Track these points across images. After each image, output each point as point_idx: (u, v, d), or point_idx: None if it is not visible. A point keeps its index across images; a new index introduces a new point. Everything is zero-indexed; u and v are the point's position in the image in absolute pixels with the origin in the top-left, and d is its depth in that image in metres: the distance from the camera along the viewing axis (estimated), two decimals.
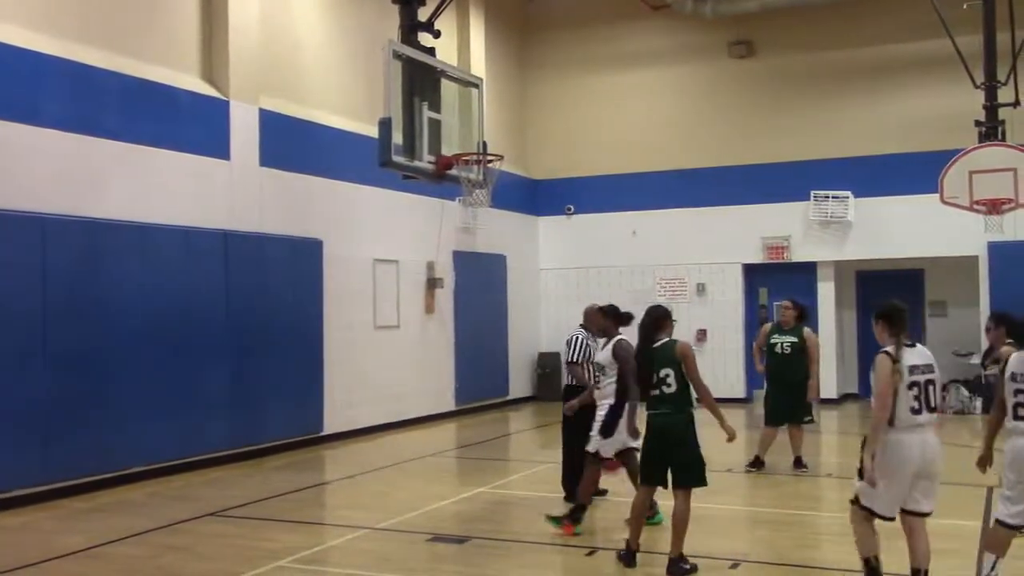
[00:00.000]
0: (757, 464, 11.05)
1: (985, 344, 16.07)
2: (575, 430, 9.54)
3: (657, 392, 6.91)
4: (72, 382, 10.02)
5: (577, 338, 9.29)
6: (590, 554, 7.49)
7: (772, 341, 11.22)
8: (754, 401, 17.50)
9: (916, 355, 5.91)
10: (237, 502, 9.69)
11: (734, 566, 7.03)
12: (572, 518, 8.03)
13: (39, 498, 9.61)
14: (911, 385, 5.77)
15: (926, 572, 5.92)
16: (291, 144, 13.41)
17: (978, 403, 16.34)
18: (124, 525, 8.62)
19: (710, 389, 7.04)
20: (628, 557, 7.02)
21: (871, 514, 5.97)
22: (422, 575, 7.12)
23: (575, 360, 9.25)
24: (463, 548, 7.75)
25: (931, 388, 5.82)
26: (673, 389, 6.86)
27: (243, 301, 12.25)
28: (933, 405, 5.82)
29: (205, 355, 11.67)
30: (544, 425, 16.17)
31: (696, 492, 6.90)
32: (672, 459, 6.86)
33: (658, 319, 7.10)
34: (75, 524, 8.85)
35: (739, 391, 18.03)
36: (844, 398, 18.41)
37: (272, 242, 12.87)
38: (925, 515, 5.96)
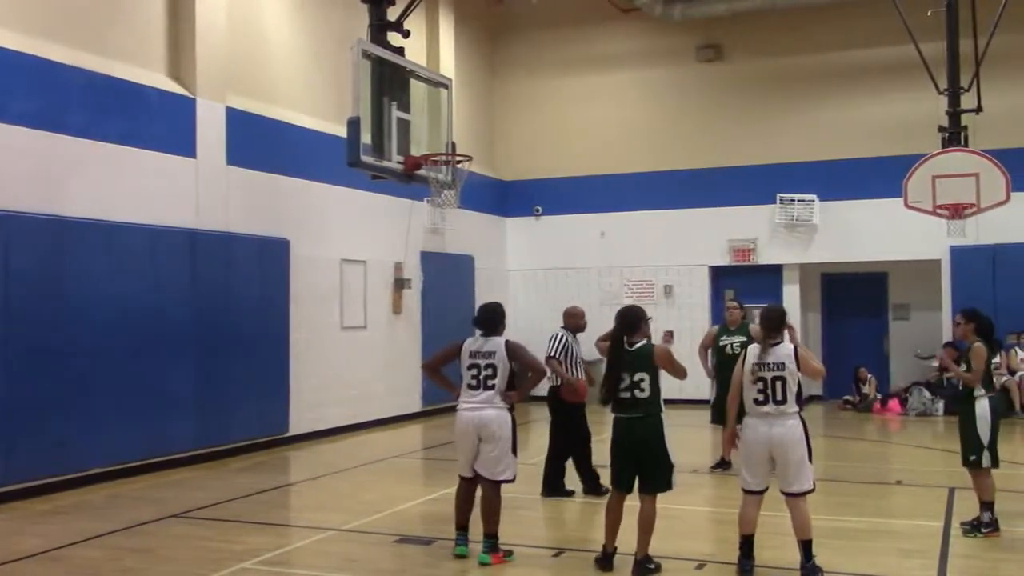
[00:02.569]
0: (723, 464, 11.11)
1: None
2: (562, 428, 9.67)
3: (628, 396, 6.83)
4: (33, 381, 9.88)
5: (558, 335, 9.76)
6: (556, 555, 7.50)
7: (721, 343, 11.36)
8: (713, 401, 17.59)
9: (772, 354, 6.67)
10: (201, 503, 9.60)
11: (699, 567, 7.07)
12: (496, 547, 7.37)
13: None
14: (757, 380, 6.62)
15: (808, 542, 6.60)
16: (258, 143, 13.32)
17: (940, 405, 16.52)
18: (85, 527, 8.51)
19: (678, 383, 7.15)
20: (602, 560, 6.98)
21: (745, 492, 6.78)
22: None
23: (551, 355, 9.59)
24: (430, 549, 7.73)
25: (778, 384, 6.59)
26: (646, 394, 6.80)
27: (209, 300, 12.15)
28: (780, 398, 6.60)
29: (170, 355, 11.56)
30: None
31: (662, 493, 6.92)
32: (642, 464, 6.84)
33: (637, 321, 6.97)
34: (35, 526, 8.72)
35: (705, 392, 18.00)
36: (809, 399, 18.55)
37: (239, 241, 12.77)
38: (795, 495, 6.62)
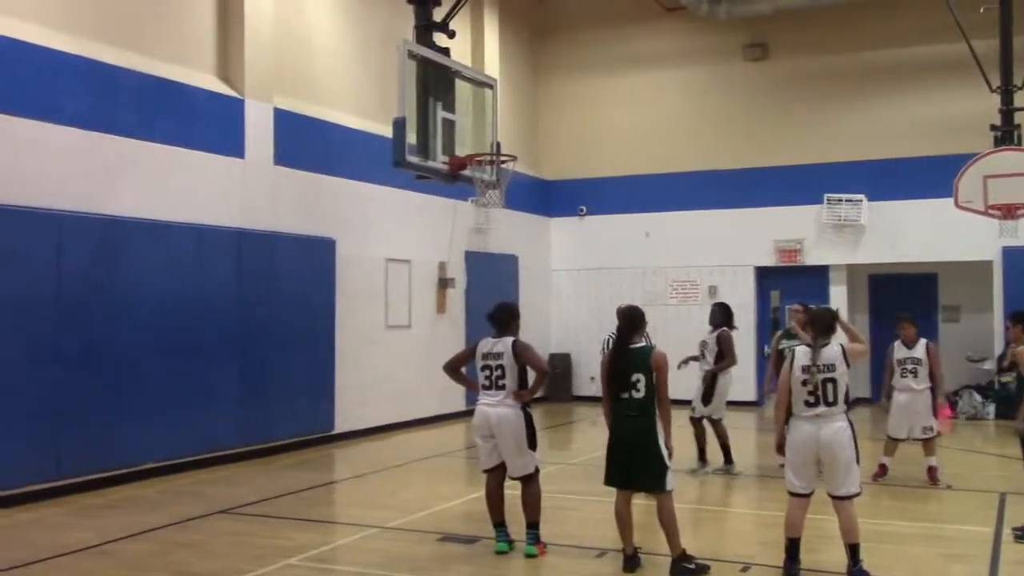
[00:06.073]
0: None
1: (999, 350, 16.07)
2: None
3: (627, 395, 6.90)
4: (84, 379, 10.05)
5: (608, 337, 9.86)
6: (600, 555, 7.48)
7: (781, 347, 11.22)
8: (765, 404, 17.44)
9: (822, 356, 6.65)
10: (247, 500, 9.71)
11: (744, 569, 7.02)
12: (539, 538, 7.55)
13: (51, 494, 9.64)
14: (806, 382, 6.60)
15: (855, 546, 6.58)
16: (305, 143, 13.44)
17: (991, 409, 16.24)
18: (134, 521, 8.65)
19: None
20: (625, 562, 6.96)
21: (791, 495, 6.74)
22: (431, 575, 7.12)
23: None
24: (472, 548, 7.75)
25: (828, 385, 6.58)
26: (642, 395, 6.85)
27: (255, 299, 12.28)
28: (830, 400, 6.58)
29: (217, 353, 11.70)
30: (555, 426, 16.17)
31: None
32: (635, 463, 6.86)
33: (636, 320, 7.11)
34: (86, 520, 8.88)
35: (750, 394, 17.96)
36: (855, 402, 18.30)
37: (285, 241, 12.89)
38: (842, 498, 6.59)
